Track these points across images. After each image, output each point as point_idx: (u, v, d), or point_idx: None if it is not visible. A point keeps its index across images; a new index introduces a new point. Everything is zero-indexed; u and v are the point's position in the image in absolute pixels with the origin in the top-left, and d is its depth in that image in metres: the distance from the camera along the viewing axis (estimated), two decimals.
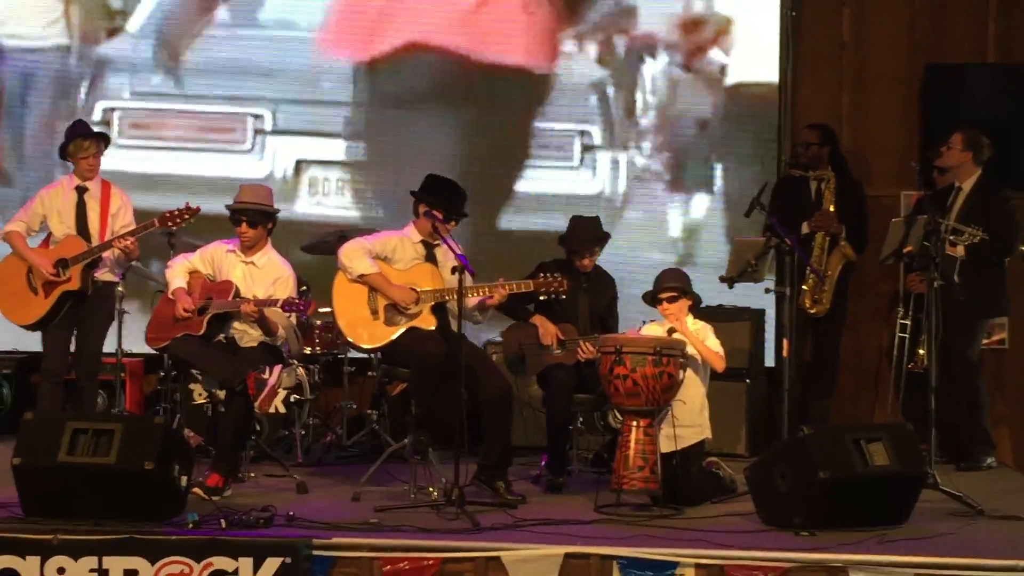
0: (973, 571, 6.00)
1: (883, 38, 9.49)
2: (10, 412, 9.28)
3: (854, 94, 9.51)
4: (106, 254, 7.89)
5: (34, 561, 6.06)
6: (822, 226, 8.72)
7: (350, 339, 7.48)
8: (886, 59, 9.47)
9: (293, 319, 7.54)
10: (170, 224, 7.84)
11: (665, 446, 7.04)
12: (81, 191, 7.99)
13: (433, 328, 7.32)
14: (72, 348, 8.01)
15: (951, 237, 8.10)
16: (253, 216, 7.49)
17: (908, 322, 8.68)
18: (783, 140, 9.41)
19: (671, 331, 7.25)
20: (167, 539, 6.11)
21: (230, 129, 9.73)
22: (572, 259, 7.80)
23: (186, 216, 7.80)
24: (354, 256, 7.40)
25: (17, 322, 8.03)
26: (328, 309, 7.71)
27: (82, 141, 7.98)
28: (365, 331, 7.39)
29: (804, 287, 8.64)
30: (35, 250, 7.94)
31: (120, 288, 8.29)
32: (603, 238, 7.91)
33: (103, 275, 7.97)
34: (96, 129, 8.34)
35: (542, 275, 7.40)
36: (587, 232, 7.86)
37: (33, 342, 8.22)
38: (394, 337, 7.33)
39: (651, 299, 7.40)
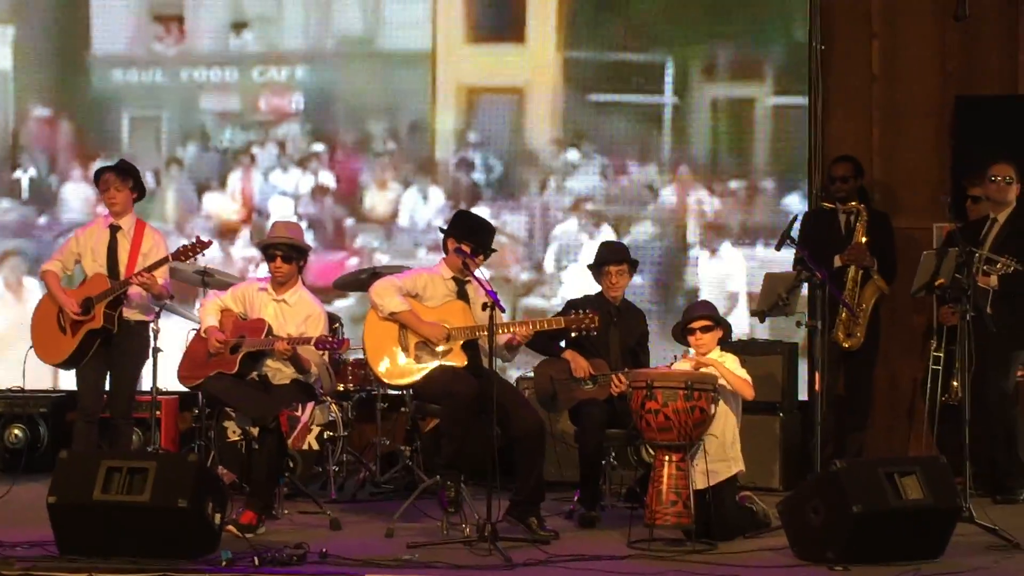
0: None
1: (913, 71, 9.48)
2: (46, 451, 9.34)
3: (884, 127, 9.50)
4: (134, 293, 7.93)
5: None
6: (854, 259, 8.71)
7: (381, 376, 7.50)
8: (916, 92, 9.46)
9: (326, 356, 7.58)
10: (182, 258, 7.91)
11: (699, 482, 7.03)
12: (114, 230, 8.06)
13: (464, 365, 7.33)
14: (107, 387, 8.06)
15: (985, 267, 8.08)
16: (287, 251, 7.54)
17: (941, 354, 8.63)
18: (813, 173, 9.41)
19: (698, 365, 7.25)
20: None
21: None
22: (600, 279, 7.80)
23: (198, 249, 7.86)
24: (385, 294, 7.43)
25: (48, 361, 8.12)
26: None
27: (103, 174, 8.05)
28: (396, 368, 7.41)
29: (838, 320, 8.62)
30: (64, 290, 8.01)
31: (153, 326, 8.36)
32: (629, 258, 7.90)
33: (133, 314, 8.02)
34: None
35: (573, 312, 7.41)
36: (615, 252, 7.89)
37: (69, 381, 8.29)
38: (424, 374, 7.35)
39: (681, 331, 7.40)
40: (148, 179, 9.86)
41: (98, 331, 7.89)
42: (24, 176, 10.12)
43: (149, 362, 8.43)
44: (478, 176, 9.77)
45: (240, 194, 9.98)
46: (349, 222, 9.91)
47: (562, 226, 9.75)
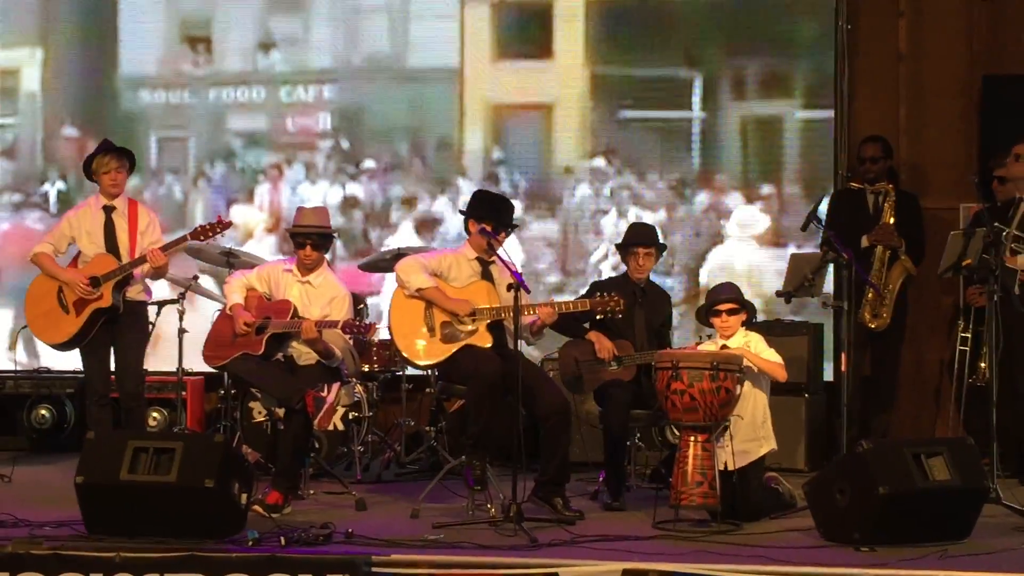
0: None
1: (940, 50, 9.42)
2: (73, 431, 9.40)
3: (911, 106, 9.45)
4: (137, 272, 7.88)
5: None
6: (882, 240, 8.67)
7: (406, 355, 7.50)
8: (943, 71, 9.41)
9: (351, 339, 7.58)
10: (202, 238, 7.86)
11: (728, 464, 7.00)
12: (109, 210, 7.98)
13: (489, 346, 7.32)
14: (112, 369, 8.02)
15: (1013, 245, 8.04)
16: (317, 239, 7.55)
17: (969, 335, 8.61)
18: (839, 153, 9.36)
19: (724, 347, 7.23)
20: (228, 556, 6.14)
21: None
22: (627, 260, 7.79)
23: (218, 229, 7.84)
24: (411, 271, 7.43)
25: (49, 342, 8.01)
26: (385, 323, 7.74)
27: (103, 157, 7.98)
28: (421, 348, 7.40)
29: (864, 300, 8.59)
30: (67, 268, 7.93)
31: (179, 308, 8.38)
32: (657, 241, 7.86)
33: (135, 294, 7.96)
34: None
35: (598, 295, 7.38)
36: (643, 233, 7.87)
37: None
38: (450, 354, 7.35)
39: (706, 313, 7.38)
40: (177, 195, 9.90)
41: (105, 310, 7.81)
42: (52, 189, 10.16)
43: (173, 344, 8.44)
44: (505, 190, 9.72)
45: (268, 205, 9.99)
46: (376, 232, 9.88)
47: (596, 231, 9.75)
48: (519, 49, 9.87)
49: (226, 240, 8.73)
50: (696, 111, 9.65)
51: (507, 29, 9.85)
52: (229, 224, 7.91)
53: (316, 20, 10.04)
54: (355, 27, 9.99)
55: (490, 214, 7.43)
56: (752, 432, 7.15)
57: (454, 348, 7.34)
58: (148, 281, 8.07)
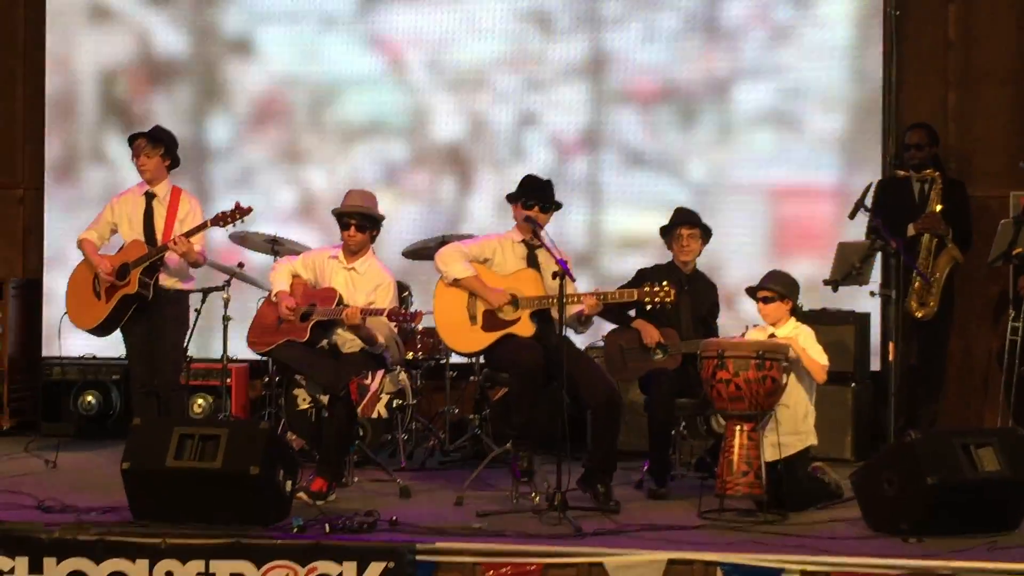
0: None
1: (990, 36, 9.33)
2: (119, 418, 9.44)
3: (960, 93, 9.35)
4: (171, 259, 7.88)
5: (143, 564, 6.17)
6: (929, 228, 8.58)
7: (448, 343, 7.50)
8: (993, 57, 9.31)
9: (395, 327, 7.57)
10: (222, 224, 7.85)
11: (769, 454, 6.96)
12: (150, 197, 8.02)
13: (531, 335, 7.29)
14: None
15: None
16: (361, 220, 7.53)
17: (1020, 324, 8.51)
18: (887, 141, 9.28)
19: (772, 336, 7.19)
20: (272, 543, 6.18)
21: None
22: (672, 245, 7.73)
23: (237, 216, 7.82)
24: (450, 260, 7.41)
25: (81, 327, 8.09)
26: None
27: (137, 138, 8.01)
28: (463, 336, 7.39)
29: (911, 289, 8.51)
30: (100, 256, 7.99)
31: (224, 295, 8.39)
32: (702, 222, 7.79)
33: (172, 282, 7.97)
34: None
35: (647, 285, 7.31)
36: (687, 213, 7.82)
37: None
38: (490, 343, 7.33)
39: (752, 294, 7.34)
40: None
41: (132, 297, 7.84)
42: None
43: (218, 330, 8.44)
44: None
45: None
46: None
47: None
48: (569, 70, 9.73)
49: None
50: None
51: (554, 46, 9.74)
52: (248, 210, 7.85)
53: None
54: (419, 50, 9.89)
55: (533, 194, 7.40)
56: (793, 426, 7.10)
57: (495, 337, 7.32)
58: (192, 270, 8.08)
